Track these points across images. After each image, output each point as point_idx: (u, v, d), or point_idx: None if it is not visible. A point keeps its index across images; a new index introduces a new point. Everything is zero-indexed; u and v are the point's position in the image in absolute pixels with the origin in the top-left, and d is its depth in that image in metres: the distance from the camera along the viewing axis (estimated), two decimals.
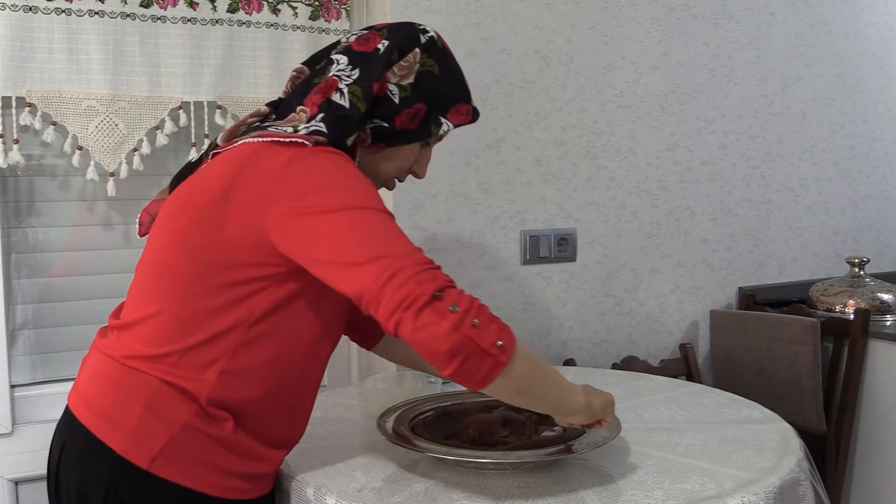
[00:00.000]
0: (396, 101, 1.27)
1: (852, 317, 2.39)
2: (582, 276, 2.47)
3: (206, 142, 1.95)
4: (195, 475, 1.18)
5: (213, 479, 1.19)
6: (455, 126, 1.33)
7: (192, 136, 1.95)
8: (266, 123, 1.28)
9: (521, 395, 1.17)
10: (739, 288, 2.75)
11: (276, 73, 2.00)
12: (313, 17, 2.06)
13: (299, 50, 2.03)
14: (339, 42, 1.34)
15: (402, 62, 1.27)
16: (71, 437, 1.23)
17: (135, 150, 1.88)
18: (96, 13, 1.82)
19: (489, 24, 2.27)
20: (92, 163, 1.85)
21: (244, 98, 1.98)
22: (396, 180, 1.39)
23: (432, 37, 1.32)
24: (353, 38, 1.32)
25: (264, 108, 1.33)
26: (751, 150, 2.76)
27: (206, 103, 1.95)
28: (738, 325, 2.53)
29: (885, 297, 2.50)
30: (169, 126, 1.91)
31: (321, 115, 1.21)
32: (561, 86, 2.39)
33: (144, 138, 1.89)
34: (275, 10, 2.01)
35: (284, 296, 1.19)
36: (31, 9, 1.76)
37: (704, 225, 2.68)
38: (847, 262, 2.65)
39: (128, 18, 1.85)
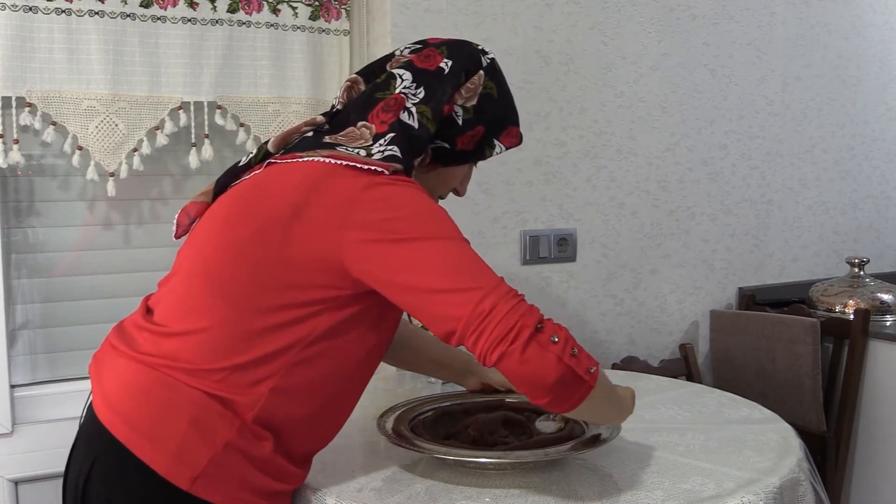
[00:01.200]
0: (460, 123, 1.26)
1: (852, 317, 2.38)
2: (582, 276, 2.47)
3: (207, 142, 1.96)
4: (233, 495, 1.14)
5: (247, 498, 1.15)
6: (507, 148, 1.33)
7: (192, 136, 1.95)
8: (327, 139, 1.23)
9: (594, 416, 1.26)
10: (739, 288, 2.75)
11: (276, 73, 2.00)
12: (313, 18, 2.06)
13: (299, 50, 2.03)
14: (393, 54, 1.32)
15: (468, 84, 1.27)
16: (104, 454, 1.15)
17: (135, 150, 1.88)
18: (96, 13, 1.82)
19: (489, 24, 2.27)
20: (92, 163, 1.85)
21: (244, 98, 1.98)
22: (440, 198, 1.37)
23: (492, 59, 1.32)
24: (410, 53, 1.30)
25: (320, 118, 1.30)
26: (751, 150, 2.76)
27: (206, 103, 1.95)
28: (738, 325, 2.53)
29: (885, 297, 2.50)
30: (169, 126, 1.91)
31: (391, 136, 1.19)
32: (561, 86, 2.39)
33: (144, 138, 1.89)
34: (275, 11, 2.01)
35: (344, 318, 1.16)
36: (31, 9, 1.76)
37: (704, 225, 2.68)
38: (847, 263, 2.65)
39: (128, 18, 1.85)
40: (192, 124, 1.94)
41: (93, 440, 1.17)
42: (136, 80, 1.87)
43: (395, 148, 1.17)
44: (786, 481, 1.30)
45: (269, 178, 1.21)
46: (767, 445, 1.45)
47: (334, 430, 1.30)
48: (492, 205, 2.31)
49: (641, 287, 2.58)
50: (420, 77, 1.24)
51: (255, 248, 1.14)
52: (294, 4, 2.04)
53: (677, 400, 1.76)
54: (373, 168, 1.14)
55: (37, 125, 1.80)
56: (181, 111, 1.92)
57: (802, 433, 1.58)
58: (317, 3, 2.06)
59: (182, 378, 1.13)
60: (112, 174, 1.87)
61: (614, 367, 2.45)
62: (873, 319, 2.40)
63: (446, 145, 1.26)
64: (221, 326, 1.13)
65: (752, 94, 2.74)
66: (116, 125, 1.86)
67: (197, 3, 1.91)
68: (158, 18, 1.88)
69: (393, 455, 1.42)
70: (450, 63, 1.26)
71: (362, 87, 1.30)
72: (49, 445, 1.86)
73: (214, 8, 1.94)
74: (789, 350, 2.33)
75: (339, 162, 1.15)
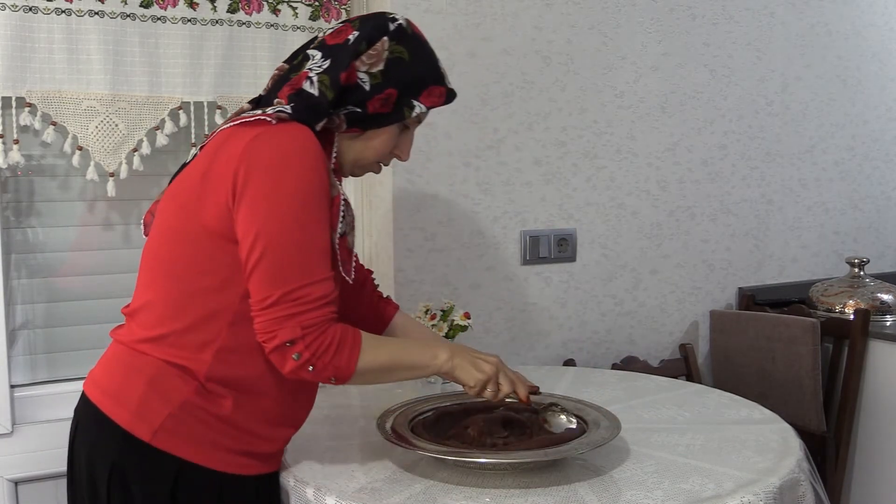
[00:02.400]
0: (367, 89, 1.32)
1: (852, 317, 2.39)
2: (582, 276, 2.47)
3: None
4: (196, 450, 1.26)
5: (214, 454, 1.27)
6: (428, 108, 1.38)
7: (192, 136, 1.95)
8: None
9: (378, 382, 1.36)
10: (739, 288, 2.75)
11: None
12: (313, 18, 2.06)
13: None
14: (316, 37, 1.40)
15: (370, 51, 1.33)
16: (83, 416, 1.33)
17: (135, 150, 1.88)
18: (96, 13, 1.82)
19: (489, 24, 2.27)
20: (92, 163, 1.85)
21: (244, 98, 1.96)
22: (382, 164, 1.44)
23: (401, 24, 1.37)
24: (328, 33, 1.38)
25: (246, 106, 1.38)
26: (751, 151, 2.76)
27: (206, 103, 1.95)
28: (738, 325, 2.53)
29: (885, 297, 2.50)
30: (169, 126, 1.91)
31: (291, 104, 1.28)
32: (561, 86, 2.39)
33: (144, 138, 1.89)
34: (275, 11, 2.01)
35: None
36: (31, 9, 1.76)
37: (704, 225, 2.68)
38: (847, 263, 2.65)
39: (128, 19, 1.85)
40: (192, 124, 1.94)
41: (77, 409, 1.35)
42: (136, 80, 1.87)
43: (288, 108, 1.27)
44: (786, 481, 1.30)
45: (194, 160, 1.35)
46: (767, 445, 1.46)
47: (304, 393, 1.38)
48: (492, 205, 2.31)
49: (641, 287, 2.58)
50: (328, 52, 1.33)
51: (178, 219, 1.28)
52: (294, 4, 2.04)
53: (677, 400, 1.76)
54: (261, 118, 1.25)
55: (37, 125, 1.80)
56: (181, 111, 1.92)
57: (802, 433, 1.58)
58: (317, 4, 2.06)
59: (143, 348, 1.28)
60: (112, 174, 1.87)
61: (614, 367, 2.45)
62: (873, 319, 2.40)
63: (358, 109, 1.33)
64: (163, 295, 1.28)
65: (752, 94, 2.74)
66: (116, 125, 1.86)
67: (197, 3, 1.91)
68: (158, 18, 1.88)
69: (393, 455, 1.42)
70: (356, 34, 1.34)
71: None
72: (49, 445, 1.86)
73: (214, 8, 1.94)
74: (789, 350, 2.33)
75: (234, 124, 1.29)
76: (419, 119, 1.40)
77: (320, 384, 1.39)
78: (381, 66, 1.33)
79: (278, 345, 1.20)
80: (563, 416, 1.45)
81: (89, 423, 1.31)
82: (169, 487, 1.25)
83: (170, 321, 1.27)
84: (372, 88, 1.32)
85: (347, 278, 1.33)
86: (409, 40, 1.36)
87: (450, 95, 1.41)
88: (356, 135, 1.36)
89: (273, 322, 1.20)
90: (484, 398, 1.38)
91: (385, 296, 1.68)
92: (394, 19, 1.37)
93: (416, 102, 1.36)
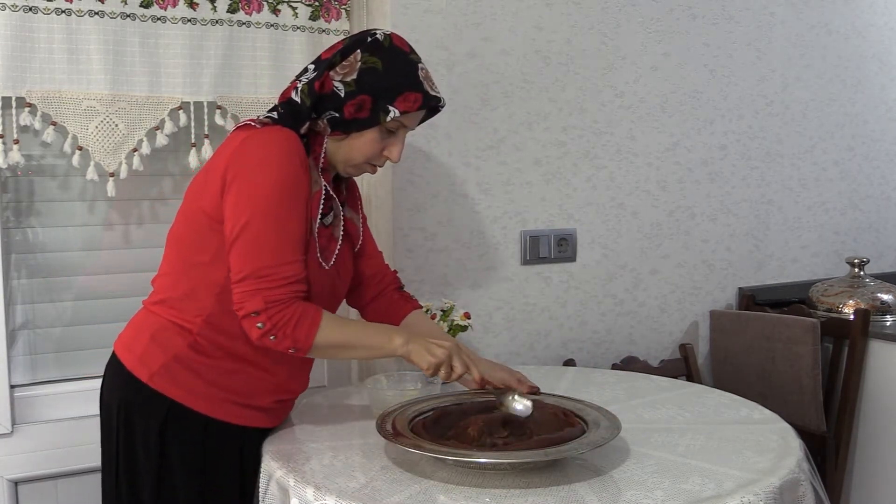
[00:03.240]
0: (342, 95, 1.48)
1: (852, 317, 2.39)
2: (582, 276, 2.48)
3: (207, 142, 1.96)
4: (184, 393, 1.47)
5: (200, 399, 1.48)
6: (402, 112, 1.49)
7: (192, 136, 1.95)
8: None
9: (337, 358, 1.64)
10: (739, 288, 2.75)
11: (276, 73, 2.00)
12: (313, 18, 2.06)
13: (299, 50, 2.03)
14: (319, 55, 1.56)
15: (343, 63, 1.49)
16: (110, 365, 1.57)
17: (135, 150, 1.88)
18: (96, 13, 1.82)
19: (489, 24, 2.27)
20: (92, 163, 1.85)
21: (244, 98, 1.98)
22: (376, 165, 1.58)
23: (377, 38, 1.51)
24: (326, 50, 1.55)
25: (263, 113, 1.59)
26: (751, 151, 2.76)
27: (206, 103, 1.95)
28: (738, 325, 2.53)
29: (885, 297, 2.50)
30: (169, 126, 1.91)
31: (280, 110, 1.51)
32: (561, 86, 2.39)
33: (144, 138, 1.89)
34: (275, 11, 2.01)
35: None
36: (31, 9, 1.76)
37: (704, 225, 2.68)
38: (847, 263, 2.65)
39: (128, 19, 1.85)
40: (192, 124, 1.94)
41: (108, 362, 1.57)
42: (136, 80, 1.87)
43: (274, 113, 1.51)
44: (786, 481, 1.30)
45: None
46: (767, 445, 1.45)
47: (284, 364, 1.53)
48: (492, 205, 2.32)
49: (641, 287, 2.58)
50: (318, 65, 1.52)
51: (188, 207, 1.52)
52: (294, 5, 2.04)
53: (677, 400, 1.76)
54: (247, 123, 1.49)
55: (37, 125, 1.80)
56: (181, 111, 1.92)
57: (802, 433, 1.58)
58: (317, 4, 2.06)
59: (154, 309, 1.53)
60: (112, 174, 1.87)
61: (614, 367, 2.45)
62: (873, 319, 2.40)
63: (336, 114, 1.49)
64: (174, 267, 1.53)
65: (752, 94, 2.74)
66: (116, 125, 1.86)
67: (197, 4, 1.91)
68: (158, 19, 1.88)
69: (393, 455, 1.42)
70: (339, 49, 1.51)
71: None
72: (49, 445, 1.86)
73: (214, 8, 1.94)
74: (789, 350, 2.33)
75: (236, 127, 1.52)
76: (402, 123, 1.51)
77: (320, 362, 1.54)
78: (353, 76, 1.48)
79: (245, 314, 1.39)
80: (518, 400, 1.47)
81: (110, 369, 1.55)
82: (160, 422, 1.46)
83: (173, 288, 1.51)
84: (346, 95, 1.48)
85: (325, 265, 1.50)
86: (384, 52, 1.50)
87: (426, 99, 1.51)
88: (340, 137, 1.51)
89: (243, 294, 1.40)
90: (441, 379, 1.50)
91: (411, 297, 1.79)
92: (373, 34, 1.52)
93: (390, 107, 1.48)
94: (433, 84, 1.54)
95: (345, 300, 1.73)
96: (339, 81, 1.48)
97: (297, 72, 1.58)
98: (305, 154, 1.47)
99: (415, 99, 1.50)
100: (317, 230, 1.49)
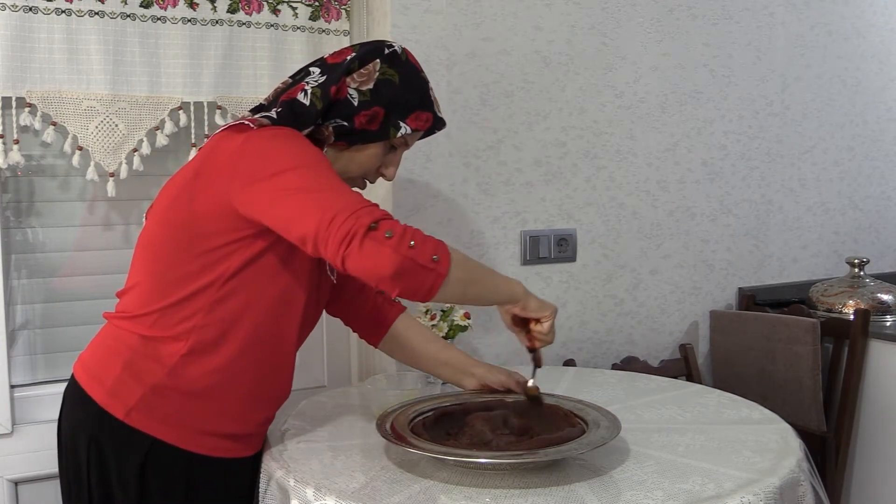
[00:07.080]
0: (355, 104, 1.41)
1: (852, 317, 2.39)
2: (582, 276, 2.47)
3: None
4: (166, 429, 1.34)
5: (184, 434, 1.36)
6: (413, 130, 1.45)
7: (192, 136, 1.95)
8: None
9: (465, 297, 1.35)
10: (739, 288, 2.75)
11: (276, 73, 2.00)
12: (313, 18, 2.06)
13: (299, 50, 2.03)
14: (322, 58, 1.49)
15: (361, 70, 1.43)
16: (70, 394, 1.42)
17: (135, 150, 1.89)
18: (96, 13, 1.82)
19: (489, 25, 2.27)
20: (92, 163, 1.85)
21: (244, 98, 1.98)
22: (368, 181, 1.51)
23: (395, 51, 1.46)
24: (331, 54, 1.48)
25: (247, 114, 1.44)
26: (751, 151, 2.76)
27: (206, 104, 1.95)
28: (738, 325, 2.53)
29: (885, 297, 2.50)
30: (169, 126, 1.91)
31: (278, 111, 1.38)
32: (561, 86, 2.39)
33: (144, 139, 1.89)
34: (275, 11, 2.01)
35: (254, 253, 1.34)
36: (31, 9, 1.76)
37: (704, 225, 2.68)
38: (847, 263, 2.65)
39: (128, 19, 1.85)
40: (192, 125, 1.94)
41: (66, 388, 1.44)
42: (136, 80, 1.87)
43: (273, 113, 1.37)
44: (786, 481, 1.30)
45: (190, 160, 1.46)
46: (767, 446, 1.46)
47: (279, 375, 1.46)
48: (492, 205, 2.32)
49: (641, 287, 2.58)
50: (326, 69, 1.43)
51: (172, 212, 1.36)
52: (294, 5, 2.04)
53: (677, 400, 1.76)
54: (243, 123, 1.35)
55: (37, 125, 1.80)
56: (181, 111, 1.92)
57: (802, 433, 1.58)
58: (317, 4, 2.06)
59: (123, 325, 1.38)
60: (112, 174, 1.87)
61: (614, 367, 2.45)
62: (873, 319, 2.40)
63: (345, 123, 1.41)
64: (151, 278, 1.37)
65: (752, 94, 2.74)
66: (116, 125, 1.86)
67: (197, 4, 1.92)
68: (158, 19, 1.88)
69: (393, 455, 1.42)
70: (352, 55, 1.44)
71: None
72: (49, 445, 1.85)
73: (214, 8, 1.94)
74: (789, 350, 2.33)
75: (225, 128, 1.38)
76: (406, 141, 1.48)
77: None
78: (370, 85, 1.42)
79: (364, 232, 1.19)
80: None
81: (73, 400, 1.40)
82: (140, 461, 1.34)
83: (158, 300, 1.35)
84: (360, 104, 1.41)
85: (331, 277, 1.42)
86: (402, 66, 1.45)
87: (437, 122, 1.49)
88: (342, 148, 1.45)
89: (346, 222, 1.19)
90: (540, 338, 1.47)
91: (393, 300, 1.69)
92: (390, 46, 1.46)
93: (402, 123, 1.44)
94: (439, 106, 1.52)
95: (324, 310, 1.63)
96: (355, 89, 1.41)
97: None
98: None
99: (426, 119, 1.47)
100: None
